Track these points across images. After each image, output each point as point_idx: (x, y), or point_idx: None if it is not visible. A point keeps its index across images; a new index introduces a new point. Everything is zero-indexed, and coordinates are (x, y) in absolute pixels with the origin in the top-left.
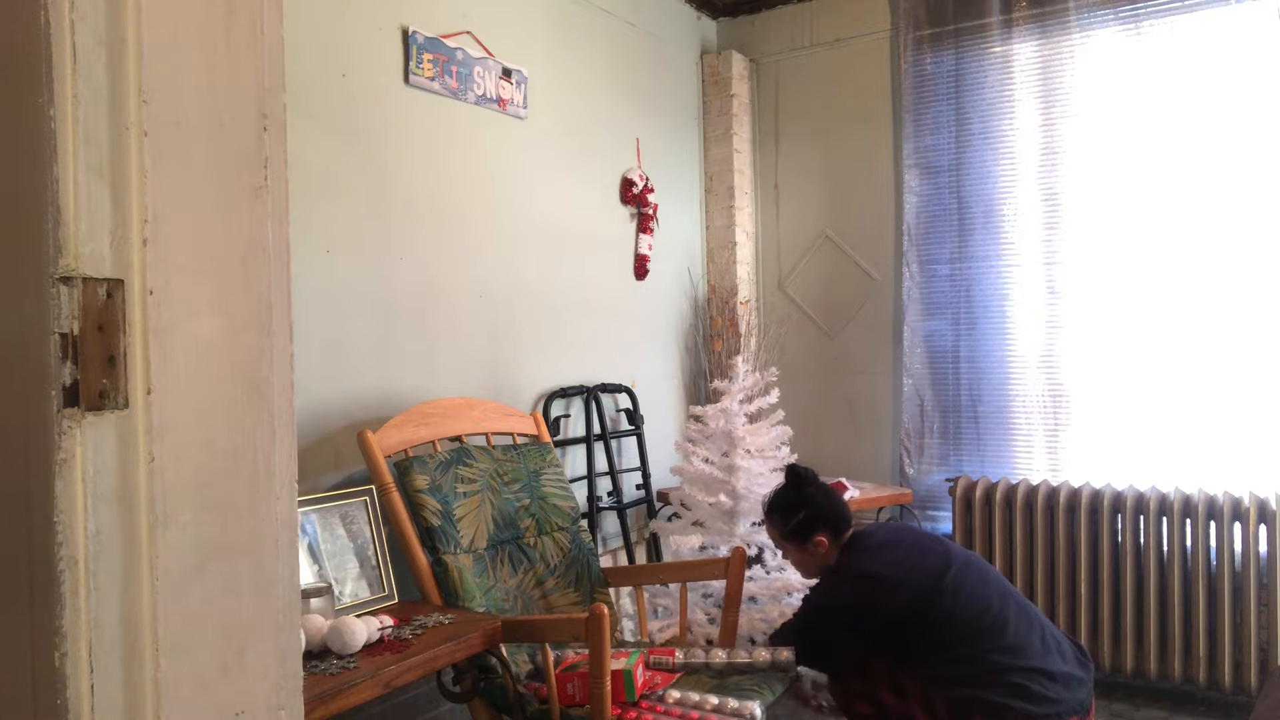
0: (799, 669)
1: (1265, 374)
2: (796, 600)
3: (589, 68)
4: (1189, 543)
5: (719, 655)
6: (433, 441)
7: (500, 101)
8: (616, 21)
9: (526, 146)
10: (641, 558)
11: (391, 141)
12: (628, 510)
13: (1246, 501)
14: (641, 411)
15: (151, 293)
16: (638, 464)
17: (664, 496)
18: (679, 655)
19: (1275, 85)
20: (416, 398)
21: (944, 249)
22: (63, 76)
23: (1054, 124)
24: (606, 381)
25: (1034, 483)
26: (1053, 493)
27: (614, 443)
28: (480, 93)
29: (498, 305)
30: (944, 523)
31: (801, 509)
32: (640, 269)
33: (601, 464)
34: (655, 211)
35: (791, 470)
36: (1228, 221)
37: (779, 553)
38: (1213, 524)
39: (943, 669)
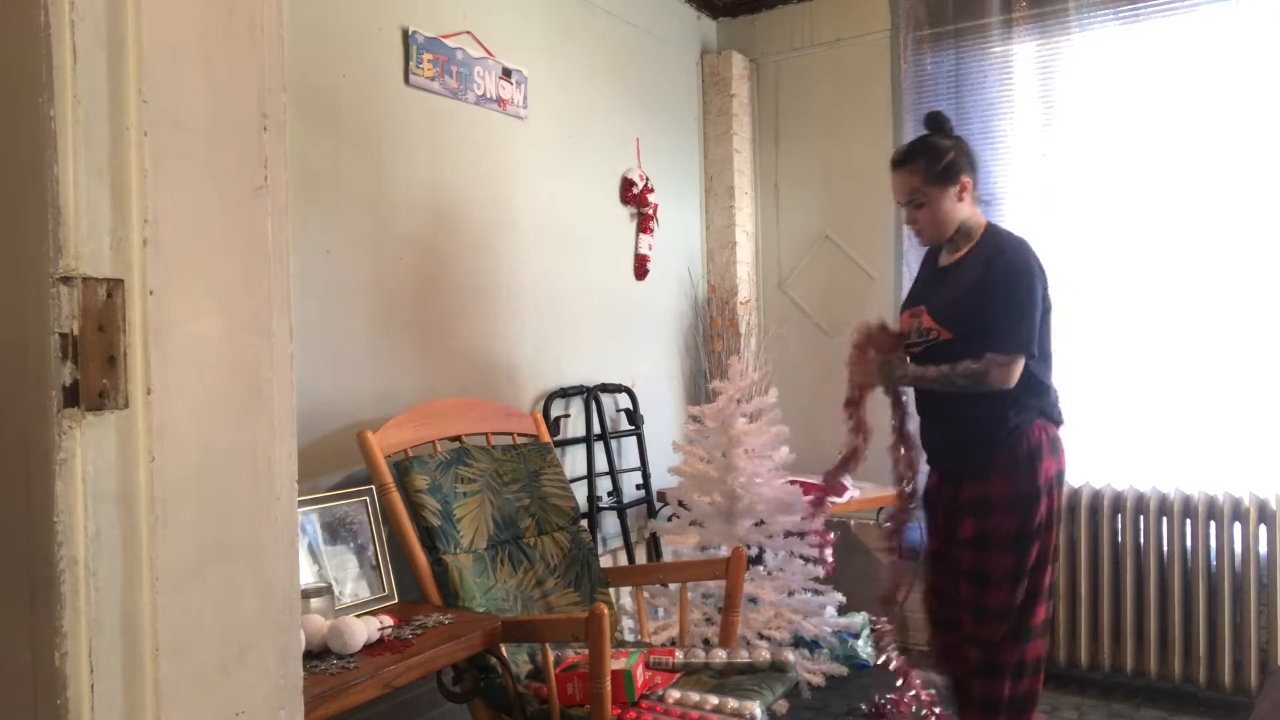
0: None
1: (1265, 374)
2: (797, 600)
3: (589, 68)
4: (1189, 543)
5: (719, 655)
6: (433, 441)
7: (500, 101)
8: (616, 21)
9: (526, 146)
10: (641, 558)
11: (391, 141)
12: (628, 510)
13: (1246, 501)
14: (641, 411)
15: (151, 293)
16: (638, 464)
17: (664, 496)
18: (679, 655)
19: (1276, 84)
20: (416, 398)
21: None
22: (63, 76)
23: (1054, 124)
24: (606, 381)
25: None
26: None
27: (614, 443)
28: (480, 93)
29: (498, 305)
30: None
31: (952, 147)
32: (640, 269)
33: (601, 464)
34: (655, 211)
35: (933, 115)
36: (1228, 221)
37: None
38: (1213, 524)
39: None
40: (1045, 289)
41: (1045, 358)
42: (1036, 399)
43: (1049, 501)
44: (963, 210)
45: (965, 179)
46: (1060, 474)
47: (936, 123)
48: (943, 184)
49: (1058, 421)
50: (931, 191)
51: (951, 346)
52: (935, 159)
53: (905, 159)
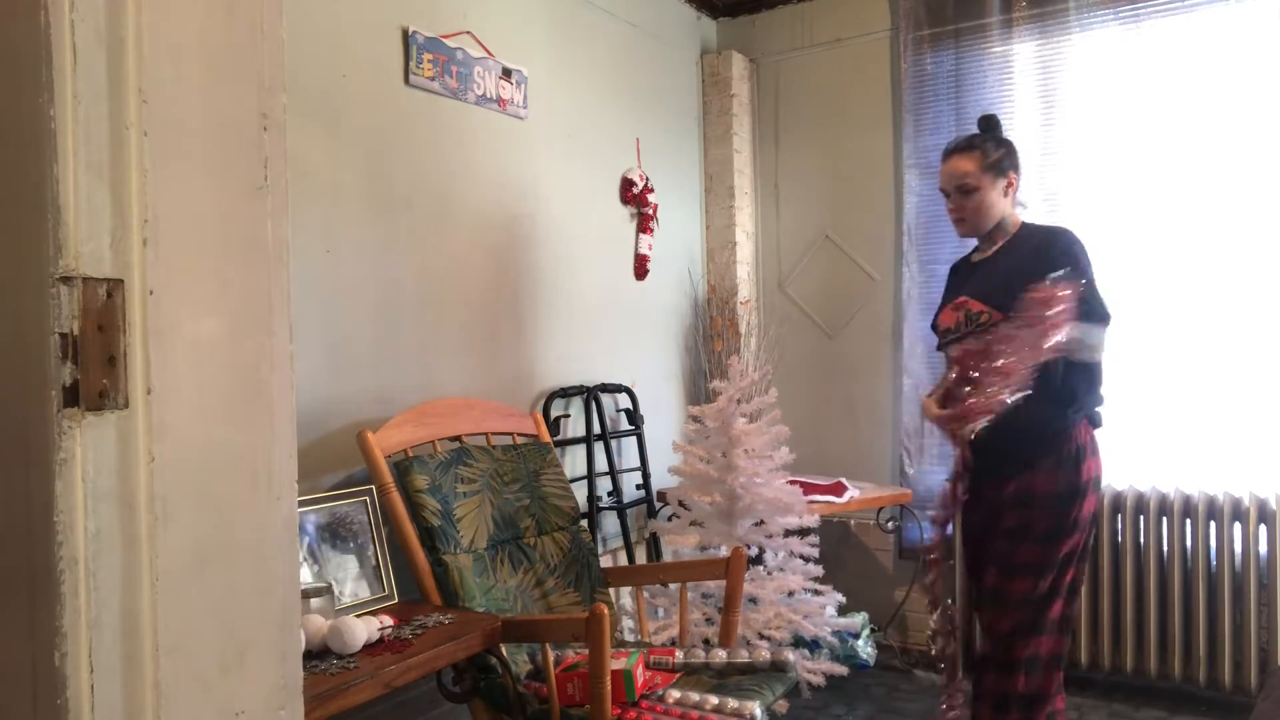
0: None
1: (1265, 374)
2: (797, 600)
3: (589, 68)
4: (1189, 543)
5: (719, 655)
6: (433, 441)
7: (500, 101)
8: (616, 21)
9: (526, 146)
10: (641, 558)
11: (391, 141)
12: (628, 510)
13: (1246, 501)
14: (641, 411)
15: (151, 293)
16: (638, 464)
17: (664, 496)
18: (679, 655)
19: (1276, 84)
20: (416, 398)
21: (944, 249)
22: (63, 76)
23: (1054, 124)
24: (606, 381)
25: None
26: None
27: (614, 443)
28: (480, 93)
29: (498, 305)
30: None
31: (1005, 143)
32: (640, 269)
33: (601, 464)
34: (655, 211)
35: (988, 116)
36: (1228, 221)
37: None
38: (1213, 524)
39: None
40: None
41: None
42: (1091, 398)
43: (1087, 501)
44: (1005, 206)
45: (1014, 175)
46: (1099, 477)
47: (991, 124)
48: (995, 175)
49: (1098, 425)
50: (985, 179)
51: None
52: (992, 150)
53: (965, 146)
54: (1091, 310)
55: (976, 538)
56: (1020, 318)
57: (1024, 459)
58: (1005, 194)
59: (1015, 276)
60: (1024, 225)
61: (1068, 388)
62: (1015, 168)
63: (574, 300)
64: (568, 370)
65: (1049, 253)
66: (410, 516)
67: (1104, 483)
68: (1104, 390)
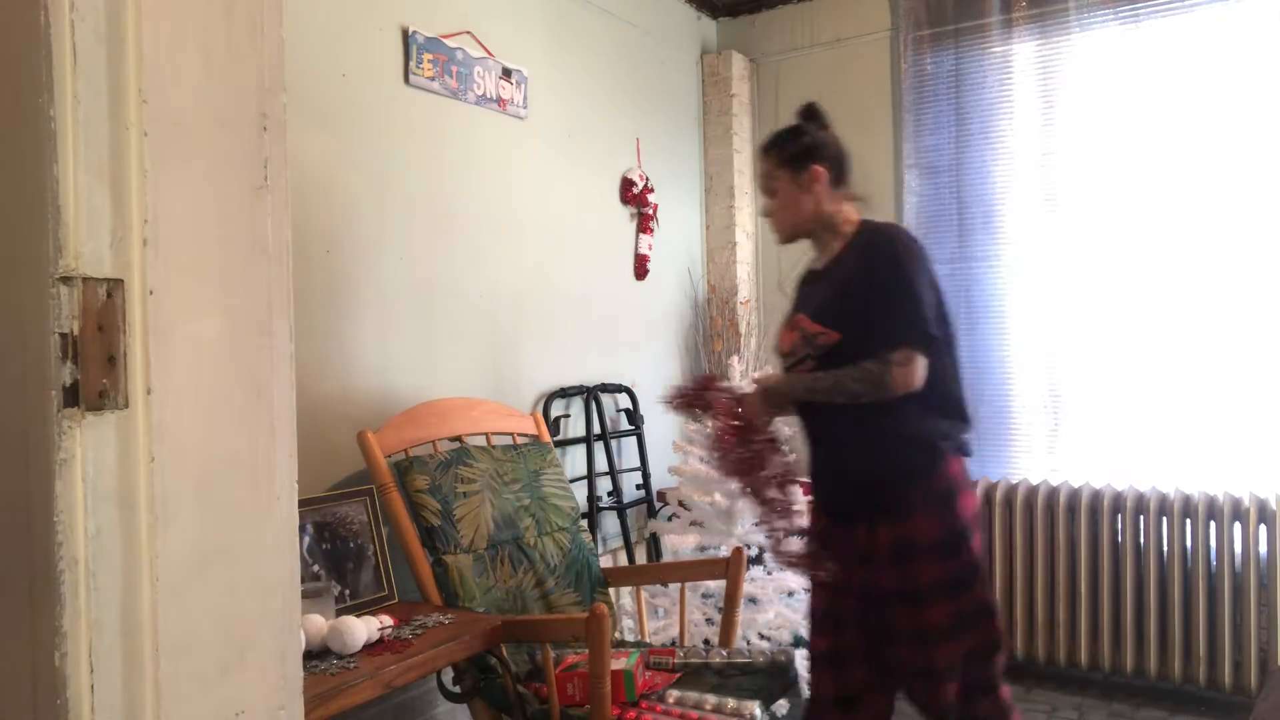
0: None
1: (1265, 374)
2: (797, 601)
3: (589, 68)
4: (1189, 543)
5: (719, 655)
6: (433, 442)
7: (500, 101)
8: (616, 21)
9: (526, 146)
10: (641, 558)
11: (391, 141)
12: (628, 510)
13: (1246, 501)
14: (641, 411)
15: (151, 293)
16: (638, 464)
17: (664, 496)
18: (679, 655)
19: (1276, 84)
20: (416, 398)
21: (944, 249)
22: (63, 76)
23: (1054, 124)
24: (606, 381)
25: (1034, 483)
26: (1053, 493)
27: (614, 443)
28: (480, 93)
29: (498, 305)
30: None
31: (807, 134)
32: (640, 269)
33: (601, 464)
34: (655, 211)
35: (807, 106)
36: (1228, 221)
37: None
38: (1213, 524)
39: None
40: (934, 280)
41: (956, 377)
42: (953, 424)
43: (975, 540)
44: (819, 203)
45: (818, 168)
46: (977, 512)
47: (809, 113)
48: (794, 169)
49: (969, 453)
50: (782, 175)
51: (844, 351)
52: (790, 143)
53: (766, 144)
54: (899, 332)
55: (839, 600)
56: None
57: (890, 502)
58: (811, 189)
59: (845, 288)
60: (860, 225)
61: (927, 416)
62: (824, 159)
63: (574, 300)
64: (568, 370)
65: (871, 262)
66: (410, 516)
67: (1104, 482)
68: (970, 413)
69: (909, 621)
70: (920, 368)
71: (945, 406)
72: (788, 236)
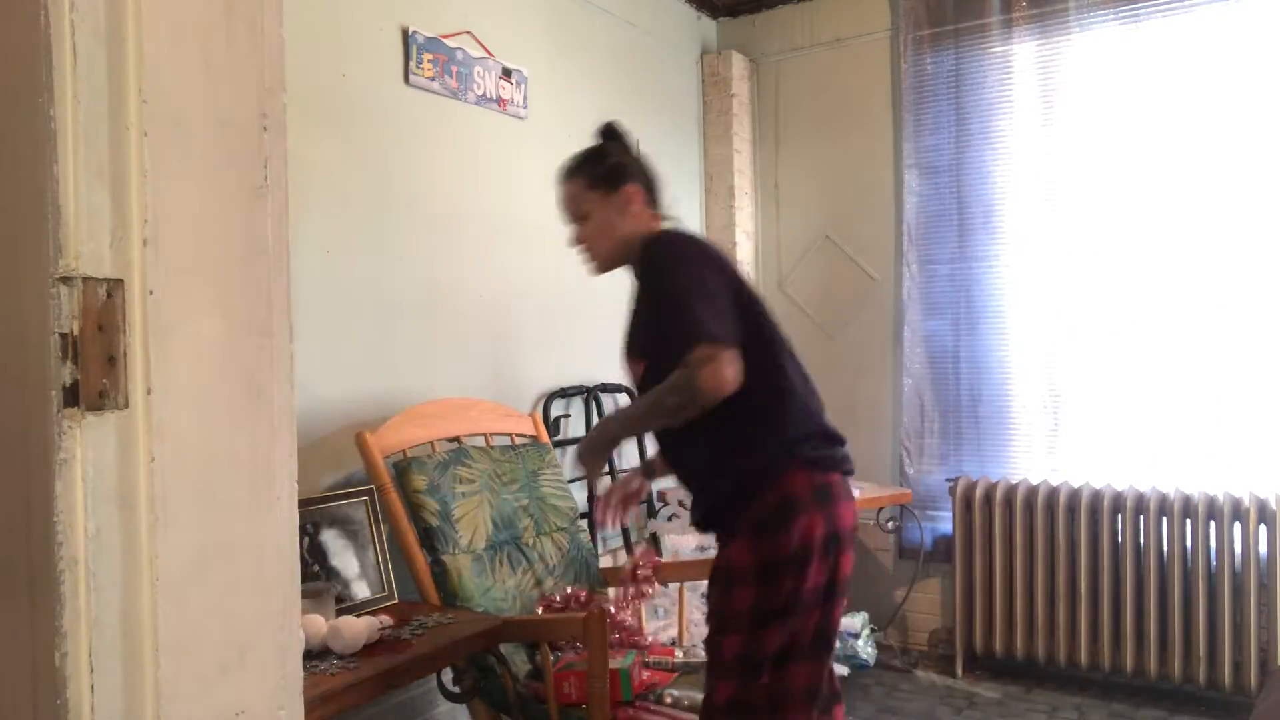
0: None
1: (1265, 374)
2: None
3: (589, 68)
4: (1189, 543)
5: None
6: (431, 442)
7: (500, 101)
8: (616, 21)
9: (526, 146)
10: None
11: (391, 141)
12: None
13: (1246, 501)
14: None
15: (151, 293)
16: (638, 464)
17: (664, 496)
18: (678, 655)
19: (1275, 84)
20: (416, 398)
21: (944, 249)
22: (63, 76)
23: (1054, 124)
24: (606, 381)
25: (1034, 483)
26: (1053, 493)
27: None
28: (480, 93)
29: (498, 305)
30: (944, 523)
31: (615, 154)
32: None
33: None
34: None
35: (607, 125)
36: (1228, 221)
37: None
38: (1213, 524)
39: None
40: (732, 277)
41: (793, 384)
42: (781, 434)
43: (806, 574)
44: (631, 224)
45: (632, 187)
46: (833, 537)
47: (609, 133)
48: (606, 189)
49: (828, 466)
50: (593, 198)
51: (658, 377)
52: (599, 163)
53: (569, 168)
54: (691, 333)
55: None
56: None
57: (724, 523)
58: (627, 210)
59: (636, 312)
60: (649, 236)
61: (745, 429)
62: (637, 177)
63: (574, 300)
64: (568, 370)
65: (647, 276)
66: (409, 517)
67: (1104, 482)
68: (821, 421)
69: (707, 648)
70: (728, 363)
71: (784, 417)
72: (604, 265)
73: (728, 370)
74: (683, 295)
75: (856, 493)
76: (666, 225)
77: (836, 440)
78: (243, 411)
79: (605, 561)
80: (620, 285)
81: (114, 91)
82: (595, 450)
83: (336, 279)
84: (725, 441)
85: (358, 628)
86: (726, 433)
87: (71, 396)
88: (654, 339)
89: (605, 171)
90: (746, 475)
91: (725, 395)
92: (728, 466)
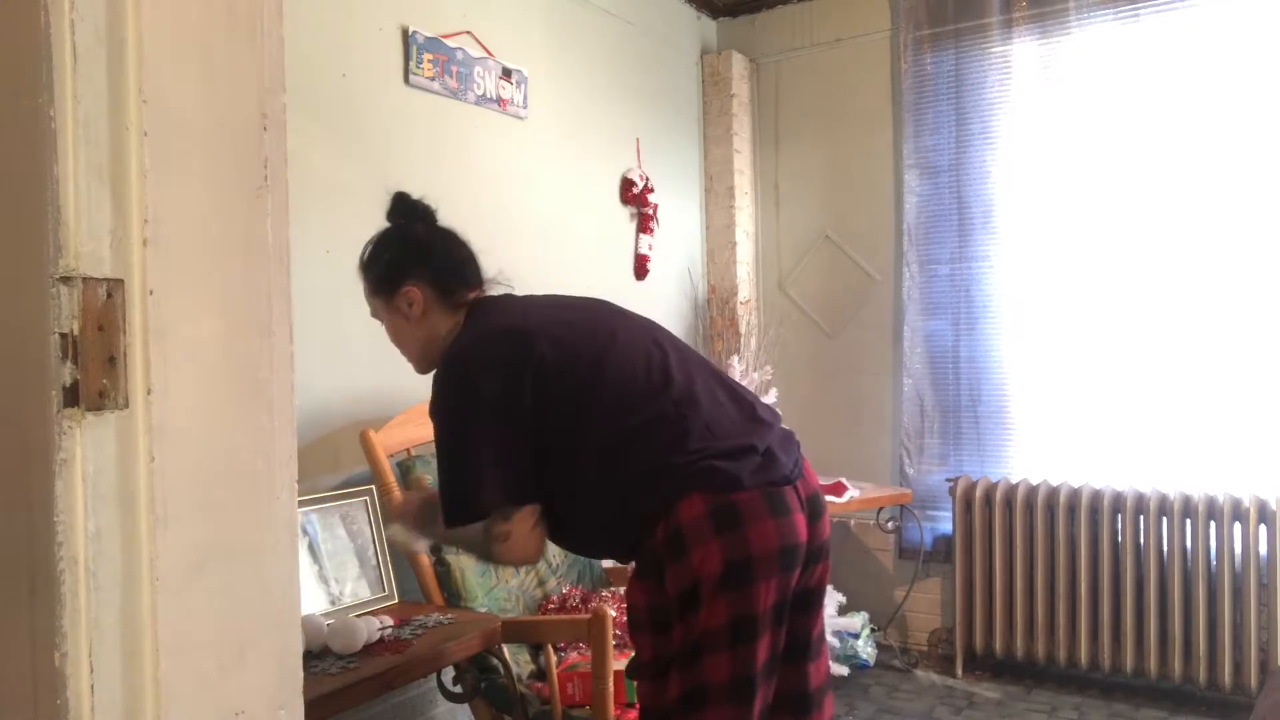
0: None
1: (1265, 374)
2: None
3: (589, 68)
4: (1189, 543)
5: None
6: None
7: (500, 101)
8: (616, 21)
9: (526, 146)
10: None
11: (391, 141)
12: None
13: (1246, 502)
14: None
15: (151, 293)
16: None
17: None
18: None
19: (1275, 82)
20: (417, 397)
21: (944, 249)
22: (63, 76)
23: (1054, 123)
24: None
25: (1034, 483)
26: (1053, 493)
27: None
28: (480, 93)
29: None
30: (944, 523)
31: (391, 247)
32: (640, 269)
33: None
34: (655, 211)
35: (396, 196)
36: (1228, 221)
37: None
38: (1213, 524)
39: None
40: (541, 362)
41: (664, 408)
42: (665, 461)
43: (695, 617)
44: (426, 328)
45: (410, 288)
46: (735, 566)
47: (396, 209)
48: (385, 296)
49: (732, 485)
50: (378, 305)
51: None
52: (374, 262)
53: (360, 263)
54: (468, 505)
55: None
56: None
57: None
58: (413, 311)
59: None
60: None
61: (609, 487)
62: (413, 272)
63: None
64: None
65: (431, 413)
66: None
67: (1104, 483)
68: (695, 430)
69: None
70: (523, 538)
71: (670, 441)
72: (421, 369)
73: (522, 542)
74: (453, 460)
75: (857, 492)
76: (493, 292)
77: (750, 452)
78: (243, 411)
79: (607, 561)
80: (621, 284)
81: (114, 91)
82: (418, 527)
83: (336, 279)
84: (605, 495)
85: (358, 628)
86: (592, 497)
87: (71, 396)
88: (453, 510)
89: (380, 275)
90: (637, 516)
91: (531, 563)
92: (604, 529)
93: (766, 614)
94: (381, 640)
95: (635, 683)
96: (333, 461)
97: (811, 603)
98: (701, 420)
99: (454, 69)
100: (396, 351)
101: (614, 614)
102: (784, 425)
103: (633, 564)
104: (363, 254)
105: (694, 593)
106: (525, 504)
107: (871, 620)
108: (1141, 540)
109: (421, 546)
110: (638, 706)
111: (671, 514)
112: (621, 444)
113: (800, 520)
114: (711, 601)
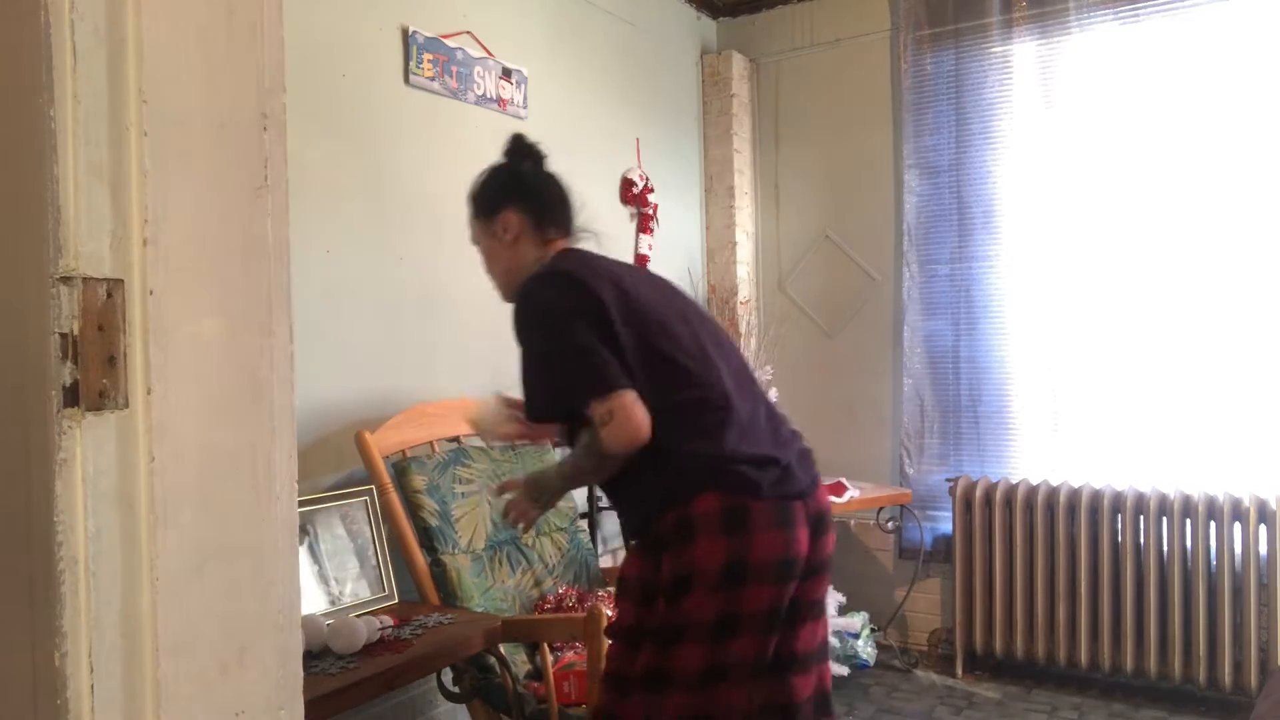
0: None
1: (1265, 374)
2: None
3: (589, 68)
4: (1189, 543)
5: None
6: (430, 442)
7: (500, 101)
8: (616, 21)
9: None
10: None
11: (391, 141)
12: None
13: (1246, 501)
14: None
15: (151, 293)
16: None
17: None
18: None
19: (1275, 82)
20: (416, 398)
21: (944, 249)
22: (63, 76)
23: (1054, 124)
24: None
25: (1034, 483)
26: (1053, 493)
27: None
28: (480, 93)
29: (498, 305)
30: (944, 523)
31: (501, 175)
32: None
33: None
34: (655, 211)
35: (514, 137)
36: (1228, 221)
37: None
38: (1213, 524)
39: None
40: (628, 303)
41: (708, 398)
42: (702, 454)
43: (682, 602)
44: (516, 255)
45: (510, 214)
46: (733, 566)
47: (513, 147)
48: (484, 219)
49: (749, 490)
50: (477, 227)
51: (541, 418)
52: (480, 188)
53: (469, 198)
54: (574, 392)
55: None
56: None
57: (632, 537)
58: (503, 239)
59: (523, 368)
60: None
61: (649, 463)
62: (513, 202)
63: None
64: None
65: (516, 324)
66: (408, 517)
67: (1104, 483)
68: (737, 437)
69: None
70: (628, 412)
71: (697, 437)
72: (506, 295)
73: (628, 423)
74: (551, 361)
75: (857, 492)
76: (579, 245)
77: (773, 463)
78: (243, 411)
79: (605, 561)
80: None
81: (114, 91)
82: (538, 498)
83: (336, 279)
84: (647, 462)
85: (358, 628)
86: (637, 467)
87: (71, 396)
88: (525, 385)
89: (483, 199)
90: (656, 493)
91: (643, 440)
92: (644, 483)
93: (754, 618)
94: (381, 640)
95: (608, 643)
96: (333, 461)
97: (798, 614)
98: (741, 422)
99: (454, 69)
100: (396, 352)
101: (609, 614)
102: (804, 444)
103: (634, 542)
104: (474, 182)
105: (688, 581)
106: (620, 388)
107: (871, 620)
108: (1141, 540)
109: (558, 500)
110: (607, 667)
111: (689, 503)
112: (671, 413)
113: (803, 535)
114: (702, 594)
